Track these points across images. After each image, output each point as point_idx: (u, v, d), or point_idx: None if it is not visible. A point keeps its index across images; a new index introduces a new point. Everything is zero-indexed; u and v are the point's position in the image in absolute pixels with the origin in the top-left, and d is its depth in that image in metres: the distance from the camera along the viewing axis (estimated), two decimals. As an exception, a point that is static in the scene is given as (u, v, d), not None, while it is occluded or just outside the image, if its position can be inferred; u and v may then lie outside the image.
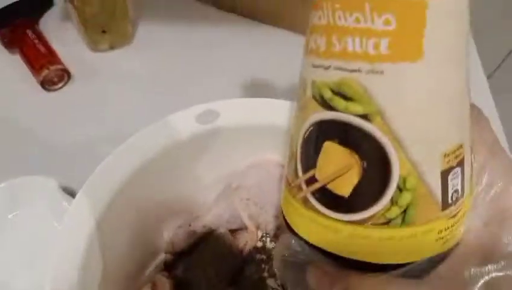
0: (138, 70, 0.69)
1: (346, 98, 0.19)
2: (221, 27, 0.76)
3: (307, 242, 0.24)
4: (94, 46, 0.69)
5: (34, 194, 0.50)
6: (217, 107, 0.43)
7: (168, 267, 0.46)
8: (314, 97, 0.21)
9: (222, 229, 0.45)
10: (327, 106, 0.20)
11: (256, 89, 0.68)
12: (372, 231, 0.21)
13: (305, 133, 0.22)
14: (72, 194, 0.50)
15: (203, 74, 0.69)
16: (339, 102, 0.20)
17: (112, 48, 0.70)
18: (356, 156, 0.20)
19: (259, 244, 0.43)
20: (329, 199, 0.21)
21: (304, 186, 0.23)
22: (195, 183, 0.48)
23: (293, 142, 0.24)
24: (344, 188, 0.21)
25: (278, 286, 0.41)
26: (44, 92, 0.63)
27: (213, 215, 0.46)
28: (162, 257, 0.46)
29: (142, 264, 0.47)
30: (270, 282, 0.41)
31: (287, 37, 0.75)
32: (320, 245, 0.23)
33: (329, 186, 0.21)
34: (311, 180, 0.22)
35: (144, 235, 0.46)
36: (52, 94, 0.64)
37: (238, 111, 0.43)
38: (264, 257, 0.43)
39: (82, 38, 0.69)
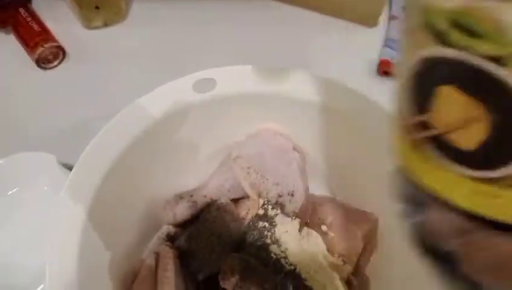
0: (133, 47, 0.68)
1: (470, 32, 0.15)
2: (216, 2, 0.75)
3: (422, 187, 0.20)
4: (88, 24, 0.68)
5: (33, 170, 0.50)
6: (214, 75, 0.42)
7: (170, 239, 0.46)
8: (425, 26, 0.16)
9: (224, 199, 0.45)
10: (442, 40, 0.16)
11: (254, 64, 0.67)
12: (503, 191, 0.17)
13: (414, 68, 0.18)
14: (71, 169, 0.49)
15: (199, 50, 0.68)
16: (460, 37, 0.15)
17: (105, 25, 0.69)
18: (483, 107, 0.16)
19: (261, 212, 0.43)
20: (447, 148, 0.18)
21: (416, 129, 0.19)
22: (195, 154, 0.48)
23: (401, 68, 0.19)
24: (468, 142, 0.17)
25: (281, 252, 0.41)
26: (40, 71, 0.63)
27: (214, 186, 0.46)
28: (164, 229, 0.46)
29: (144, 237, 0.47)
30: (273, 248, 0.41)
31: (284, 11, 0.74)
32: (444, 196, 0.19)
33: (449, 138, 0.18)
34: (424, 125, 0.19)
35: (144, 207, 0.46)
36: (48, 72, 0.63)
37: (235, 79, 0.43)
38: (266, 224, 0.43)
39: (75, 15, 0.68)
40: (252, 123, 0.47)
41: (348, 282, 0.42)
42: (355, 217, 0.45)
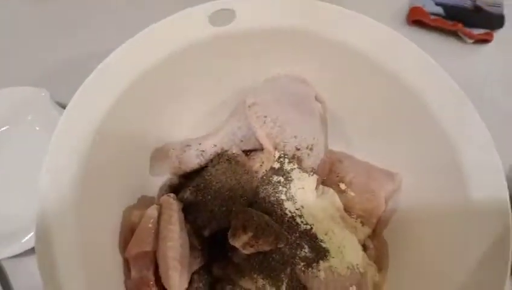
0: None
1: None
2: None
3: None
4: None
5: (24, 106, 0.45)
6: (233, 5, 0.37)
7: (174, 190, 0.42)
8: None
9: (235, 150, 0.41)
10: None
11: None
12: None
13: None
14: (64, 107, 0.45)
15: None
16: None
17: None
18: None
19: (276, 165, 0.39)
20: None
21: None
22: (205, 98, 0.43)
23: None
24: None
25: (296, 209, 0.37)
26: (34, 5, 0.56)
27: (225, 134, 0.41)
28: (167, 179, 0.42)
29: (145, 188, 0.43)
30: (288, 205, 0.37)
31: None
32: None
33: None
34: None
35: (146, 154, 0.42)
36: (41, 6, 0.57)
37: (258, 11, 0.37)
38: (281, 178, 0.39)
39: None
40: (271, 65, 0.42)
41: (363, 245, 0.39)
42: (379, 177, 0.41)
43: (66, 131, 0.34)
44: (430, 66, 0.37)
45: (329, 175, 0.42)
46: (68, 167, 0.33)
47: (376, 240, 0.40)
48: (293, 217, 0.37)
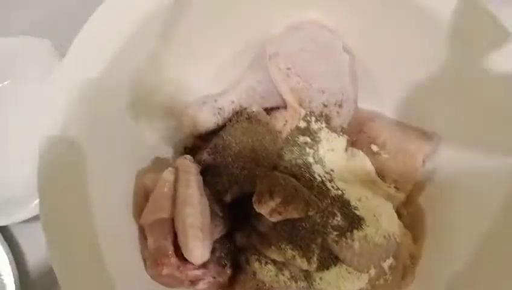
0: None
1: None
2: None
3: None
4: None
5: (27, 56, 0.41)
6: None
7: (189, 152, 0.39)
8: None
9: (256, 107, 0.37)
10: None
11: None
12: None
13: None
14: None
15: None
16: None
17: None
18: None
19: (302, 124, 0.35)
20: None
21: None
22: (220, 48, 0.38)
23: None
24: None
25: (326, 173, 0.34)
26: None
27: (243, 89, 0.37)
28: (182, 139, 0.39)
29: (157, 148, 0.39)
30: (317, 169, 0.34)
31: None
32: None
33: None
34: None
35: (154, 112, 0.38)
36: None
37: None
38: (308, 139, 0.35)
39: None
40: (293, 11, 0.37)
41: (397, 213, 0.36)
42: (414, 137, 0.37)
43: (65, 81, 0.31)
44: (481, 11, 0.32)
45: (359, 135, 0.38)
46: (70, 122, 0.30)
47: (411, 206, 0.37)
48: (322, 181, 0.33)
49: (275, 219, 0.31)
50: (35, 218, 0.41)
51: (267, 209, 0.30)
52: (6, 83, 0.42)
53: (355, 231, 0.32)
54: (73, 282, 0.28)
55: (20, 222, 0.41)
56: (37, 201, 0.39)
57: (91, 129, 0.31)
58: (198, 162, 0.36)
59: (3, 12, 0.46)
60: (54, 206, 0.29)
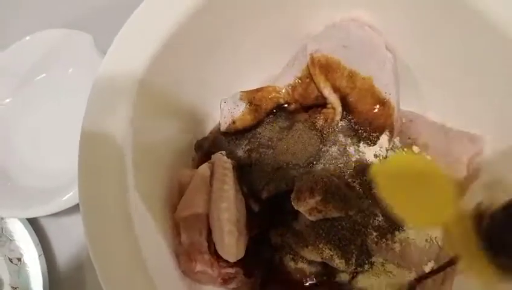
0: None
1: None
2: None
3: None
4: None
5: (66, 51, 0.41)
6: None
7: (222, 148, 0.38)
8: None
9: (294, 104, 0.36)
10: None
11: None
12: None
13: None
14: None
15: None
16: None
17: None
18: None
19: (343, 123, 0.34)
20: None
21: None
22: (258, 46, 0.38)
23: None
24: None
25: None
26: None
27: (283, 86, 0.37)
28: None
29: (191, 144, 0.39)
30: (357, 168, 0.33)
31: None
32: None
33: None
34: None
35: (192, 108, 0.38)
36: None
37: None
38: (348, 138, 0.34)
39: None
40: (334, 10, 0.37)
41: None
42: (458, 139, 0.35)
43: (106, 79, 0.30)
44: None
45: (400, 136, 0.37)
46: (111, 117, 0.29)
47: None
48: (363, 181, 0.32)
49: (314, 217, 0.30)
50: (65, 211, 0.40)
51: (307, 207, 0.29)
52: (43, 76, 0.42)
53: (396, 233, 0.30)
54: (112, 275, 0.27)
55: (50, 215, 0.41)
56: (69, 195, 0.39)
57: (131, 125, 0.31)
58: (233, 158, 0.35)
59: (48, 5, 0.46)
60: (93, 199, 0.29)
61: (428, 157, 0.35)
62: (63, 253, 0.44)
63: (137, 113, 0.31)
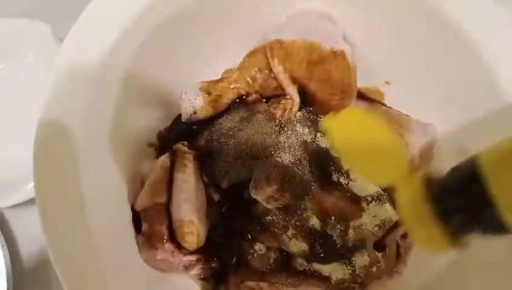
0: None
1: None
2: None
3: None
4: None
5: (24, 40, 0.40)
6: None
7: (186, 138, 0.38)
8: None
9: (254, 95, 0.37)
10: None
11: None
12: None
13: None
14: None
15: None
16: None
17: None
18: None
19: (302, 113, 0.35)
20: None
21: None
22: (220, 37, 0.38)
23: None
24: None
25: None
26: None
27: (242, 77, 0.37)
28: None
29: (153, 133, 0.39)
30: (315, 157, 0.34)
31: None
32: None
33: None
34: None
35: (154, 97, 0.38)
36: None
37: None
38: (306, 128, 0.35)
39: None
40: (295, 1, 0.37)
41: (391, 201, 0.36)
42: (412, 127, 0.37)
43: (64, 67, 0.30)
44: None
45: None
46: (67, 107, 0.29)
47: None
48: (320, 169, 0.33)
49: (271, 205, 0.31)
50: (28, 202, 0.40)
51: (263, 195, 0.30)
52: (2, 65, 0.41)
53: (350, 219, 0.32)
54: (69, 267, 0.27)
55: (14, 206, 0.40)
56: (30, 185, 0.39)
57: (87, 115, 0.31)
58: (195, 148, 0.36)
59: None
60: (49, 190, 0.29)
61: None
62: (26, 244, 0.43)
63: (96, 102, 0.31)
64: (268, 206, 0.31)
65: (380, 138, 0.28)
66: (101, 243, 0.28)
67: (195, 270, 0.33)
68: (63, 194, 0.29)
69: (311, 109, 0.36)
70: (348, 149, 0.28)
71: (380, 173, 0.27)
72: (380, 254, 0.33)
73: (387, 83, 0.40)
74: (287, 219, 0.31)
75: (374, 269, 0.33)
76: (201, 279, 0.35)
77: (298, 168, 0.33)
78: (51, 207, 0.28)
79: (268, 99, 0.38)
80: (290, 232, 0.31)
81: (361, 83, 0.40)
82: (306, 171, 0.33)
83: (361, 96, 0.40)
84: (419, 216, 0.23)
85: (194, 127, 0.38)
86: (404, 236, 0.35)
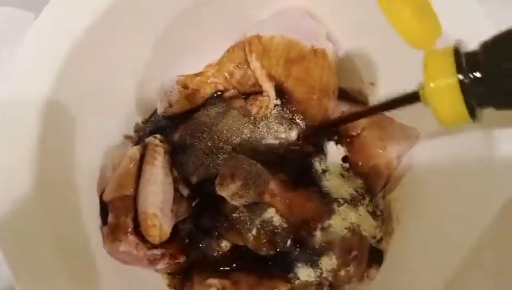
0: None
1: None
2: None
3: None
4: None
5: (7, 30, 0.40)
6: None
7: (161, 131, 0.38)
8: None
9: (231, 91, 0.37)
10: None
11: None
12: None
13: None
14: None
15: None
16: None
17: None
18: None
19: (277, 111, 0.35)
20: None
21: None
22: (199, 31, 0.38)
23: None
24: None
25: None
26: None
27: (220, 73, 0.36)
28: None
29: (128, 126, 0.39)
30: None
31: None
32: None
33: None
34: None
35: (130, 91, 0.38)
36: None
37: None
38: (282, 126, 0.34)
39: None
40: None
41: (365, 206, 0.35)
42: (393, 131, 0.36)
43: (28, 56, 0.30)
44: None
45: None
46: (36, 88, 0.29)
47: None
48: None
49: (236, 202, 0.30)
50: None
51: (228, 192, 0.30)
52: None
53: (317, 221, 0.31)
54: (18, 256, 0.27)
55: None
56: None
57: (58, 100, 0.31)
58: (168, 142, 0.35)
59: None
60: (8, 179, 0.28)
61: (360, 147, 0.36)
62: None
63: (62, 91, 0.31)
64: (233, 203, 0.30)
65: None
66: (69, 233, 0.28)
67: (161, 265, 0.33)
68: (27, 181, 0.29)
69: (288, 107, 0.35)
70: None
71: (419, 33, 0.29)
72: (350, 258, 0.32)
73: (371, 84, 0.39)
74: (252, 217, 0.31)
75: (343, 272, 0.32)
76: (169, 274, 0.35)
77: (269, 166, 0.32)
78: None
79: (248, 96, 0.38)
80: (254, 231, 0.31)
81: (345, 84, 0.39)
82: (277, 169, 0.33)
83: (344, 97, 0.39)
84: (446, 87, 0.23)
85: (171, 120, 0.37)
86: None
